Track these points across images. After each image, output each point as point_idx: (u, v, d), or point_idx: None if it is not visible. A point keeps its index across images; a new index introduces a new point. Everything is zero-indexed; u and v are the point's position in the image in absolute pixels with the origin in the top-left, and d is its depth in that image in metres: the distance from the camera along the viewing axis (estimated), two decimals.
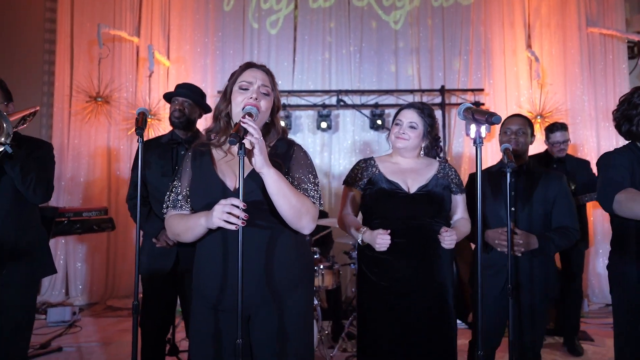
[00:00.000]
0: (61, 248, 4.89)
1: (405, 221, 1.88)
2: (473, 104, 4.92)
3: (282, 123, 1.63)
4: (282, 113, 1.62)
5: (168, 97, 2.47)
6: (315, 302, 3.32)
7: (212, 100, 5.11)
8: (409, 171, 1.98)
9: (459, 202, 2.01)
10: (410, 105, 2.02)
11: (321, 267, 3.38)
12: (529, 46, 5.11)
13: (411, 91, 5.08)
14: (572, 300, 3.45)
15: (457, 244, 1.88)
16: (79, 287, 4.94)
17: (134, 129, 5.23)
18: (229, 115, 1.52)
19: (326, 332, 3.63)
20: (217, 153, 1.53)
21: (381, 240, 1.79)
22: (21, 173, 1.85)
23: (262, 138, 1.33)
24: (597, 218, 4.82)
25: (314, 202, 1.47)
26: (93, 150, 5.04)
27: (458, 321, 3.29)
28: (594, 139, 4.93)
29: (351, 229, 1.95)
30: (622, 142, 2.08)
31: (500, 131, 2.30)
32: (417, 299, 1.88)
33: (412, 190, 1.94)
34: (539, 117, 4.84)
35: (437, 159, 2.08)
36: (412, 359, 1.87)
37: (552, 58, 5.09)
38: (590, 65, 5.04)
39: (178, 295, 2.46)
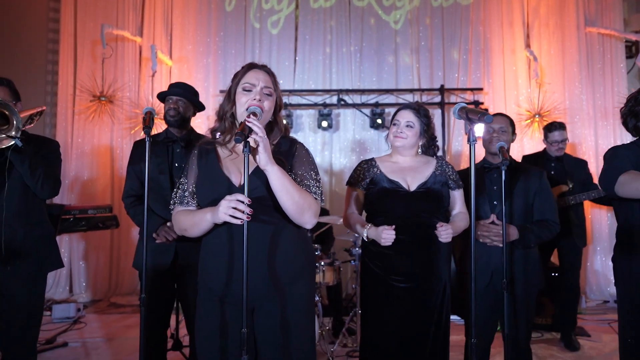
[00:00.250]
0: (65, 245, 4.95)
1: (406, 218, 1.97)
2: (472, 103, 4.99)
3: (284, 122, 1.68)
4: (283, 112, 1.68)
5: (162, 96, 2.51)
6: (316, 298, 3.37)
7: (214, 100, 5.19)
8: (408, 169, 2.07)
9: (457, 197, 2.09)
10: (407, 106, 2.11)
11: (322, 263, 3.44)
12: (527, 46, 5.16)
13: (411, 90, 5.13)
14: (569, 296, 3.51)
15: (453, 239, 1.95)
16: (83, 284, 5.01)
17: (136, 128, 5.27)
18: (233, 115, 1.58)
19: (327, 327, 3.69)
20: (222, 151, 1.59)
21: (386, 235, 1.88)
22: (30, 168, 1.90)
23: (266, 137, 1.38)
24: (595, 216, 4.87)
25: (315, 198, 1.53)
26: (96, 149, 5.10)
27: (456, 317, 3.36)
28: (592, 138, 4.98)
29: (356, 227, 2.04)
30: (619, 140, 2.14)
31: (485, 130, 2.37)
32: (417, 290, 1.97)
33: (412, 188, 2.03)
34: (537, 116, 4.89)
35: (435, 156, 2.16)
36: (410, 347, 1.96)
37: (550, 57, 5.13)
38: (589, 65, 5.09)
39: (177, 291, 2.46)
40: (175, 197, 1.59)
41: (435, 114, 5.15)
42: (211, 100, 5.23)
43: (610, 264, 2.10)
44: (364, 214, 2.18)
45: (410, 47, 5.23)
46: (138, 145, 2.47)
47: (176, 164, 2.36)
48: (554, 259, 3.78)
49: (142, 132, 2.39)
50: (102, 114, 5.02)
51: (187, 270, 2.31)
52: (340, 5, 5.27)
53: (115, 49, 5.12)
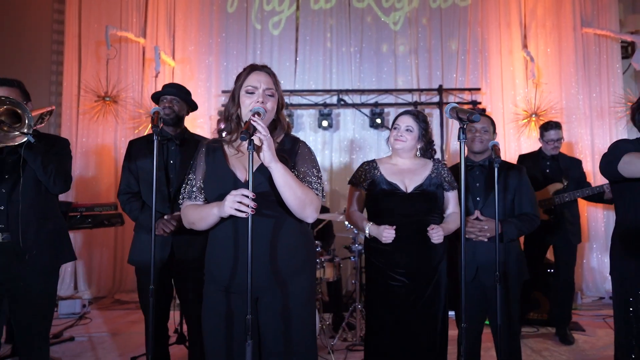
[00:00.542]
0: None
1: (404, 217, 2.12)
2: (470, 102, 5.07)
3: (286, 119, 1.77)
4: (284, 112, 1.76)
5: (156, 97, 2.57)
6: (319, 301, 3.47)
7: (216, 100, 5.29)
8: (406, 171, 2.21)
9: (450, 198, 2.23)
10: (407, 112, 2.26)
11: (322, 259, 3.53)
12: (525, 46, 5.24)
13: (410, 90, 5.21)
14: (564, 291, 3.59)
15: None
16: (87, 281, 5.09)
17: (140, 128, 5.35)
18: (238, 116, 1.66)
19: (327, 322, 3.78)
20: (228, 150, 1.67)
21: (387, 234, 2.06)
22: (42, 164, 1.98)
23: (269, 135, 1.47)
24: (591, 214, 4.95)
25: (317, 194, 1.62)
26: (100, 149, 5.19)
27: (452, 313, 3.44)
28: (589, 137, 5.06)
29: (358, 224, 2.21)
30: (615, 140, 2.23)
31: (468, 128, 2.47)
32: (414, 282, 2.12)
33: (409, 189, 2.17)
34: (534, 115, 4.97)
35: (432, 159, 2.29)
36: (411, 336, 2.10)
37: (547, 58, 5.21)
38: (585, 65, 5.17)
39: (175, 285, 2.52)
40: (184, 193, 1.67)
41: (434, 114, 5.24)
42: (213, 100, 5.32)
43: (607, 260, 2.17)
44: (365, 212, 2.31)
45: (409, 47, 5.31)
46: (133, 144, 2.54)
47: (171, 161, 2.43)
48: (549, 255, 3.87)
49: (146, 131, 2.47)
50: (107, 114, 5.11)
51: (183, 265, 2.38)
52: (340, 6, 5.35)
53: (119, 50, 5.20)
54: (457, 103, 5.08)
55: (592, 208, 4.92)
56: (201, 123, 5.24)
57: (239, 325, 1.53)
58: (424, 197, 2.14)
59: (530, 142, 4.93)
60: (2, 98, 1.84)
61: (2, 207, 1.98)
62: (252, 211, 1.41)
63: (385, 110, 5.12)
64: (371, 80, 5.31)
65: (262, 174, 1.55)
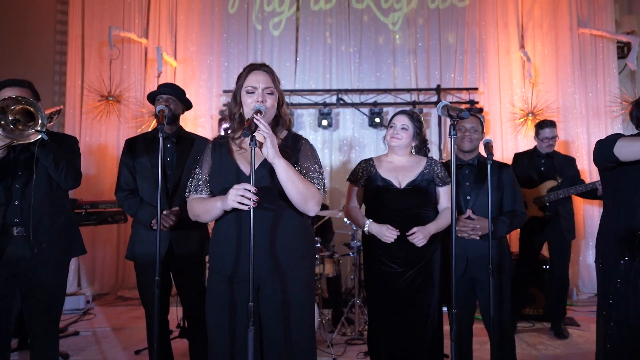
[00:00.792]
0: None
1: (398, 211, 2.24)
2: (467, 102, 5.15)
3: (288, 115, 1.84)
4: (285, 108, 1.84)
5: (152, 96, 2.62)
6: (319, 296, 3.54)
7: (217, 100, 5.37)
8: (401, 168, 2.32)
9: (442, 193, 2.32)
10: (403, 112, 2.36)
11: (322, 255, 3.60)
12: (522, 46, 5.30)
13: (408, 90, 5.28)
14: (558, 287, 3.67)
15: None
16: (90, 278, 5.17)
17: (143, 127, 5.42)
18: (241, 115, 1.74)
19: (327, 318, 3.85)
20: (233, 146, 1.75)
21: (389, 234, 2.17)
22: (54, 161, 2.06)
23: (272, 133, 1.54)
24: (588, 212, 5.02)
25: (318, 188, 1.70)
26: (103, 148, 5.27)
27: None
28: (585, 136, 5.13)
29: (358, 220, 2.32)
30: None
31: (457, 127, 2.53)
32: (408, 272, 2.23)
33: (403, 185, 2.28)
34: (530, 114, 5.03)
35: (426, 157, 2.39)
36: (408, 321, 2.24)
37: (544, 58, 5.28)
38: (581, 65, 5.23)
39: (173, 279, 2.57)
40: (191, 186, 1.75)
41: (432, 113, 5.31)
42: (214, 100, 5.40)
43: None
44: (363, 207, 2.42)
45: (407, 48, 5.38)
46: (130, 143, 2.59)
47: (168, 159, 2.49)
48: (545, 252, 3.94)
49: (149, 129, 2.55)
50: (110, 114, 5.19)
51: (181, 259, 2.44)
52: (340, 7, 5.43)
53: (122, 50, 5.28)
54: (455, 102, 5.21)
55: (588, 205, 4.99)
56: (203, 122, 5.32)
57: (241, 313, 1.60)
58: (417, 192, 2.25)
59: (527, 141, 4.99)
60: (19, 98, 1.92)
61: (16, 202, 2.06)
62: (253, 204, 1.48)
63: (384, 109, 5.19)
64: (370, 80, 5.39)
65: (264, 169, 1.63)
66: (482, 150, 2.40)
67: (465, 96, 5.25)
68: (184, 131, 2.62)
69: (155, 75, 5.22)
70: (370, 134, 5.32)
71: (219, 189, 1.66)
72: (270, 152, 1.54)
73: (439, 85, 5.24)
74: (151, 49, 5.36)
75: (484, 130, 2.61)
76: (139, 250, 2.46)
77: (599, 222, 2.17)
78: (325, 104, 5.20)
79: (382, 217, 2.22)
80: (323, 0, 5.43)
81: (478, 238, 2.36)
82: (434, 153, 5.23)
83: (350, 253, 3.83)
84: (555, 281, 3.67)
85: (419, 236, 2.15)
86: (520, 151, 4.19)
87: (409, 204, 2.25)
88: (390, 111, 5.24)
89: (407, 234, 2.16)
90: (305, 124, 5.36)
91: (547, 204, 3.54)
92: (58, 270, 2.18)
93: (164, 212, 2.41)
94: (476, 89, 5.25)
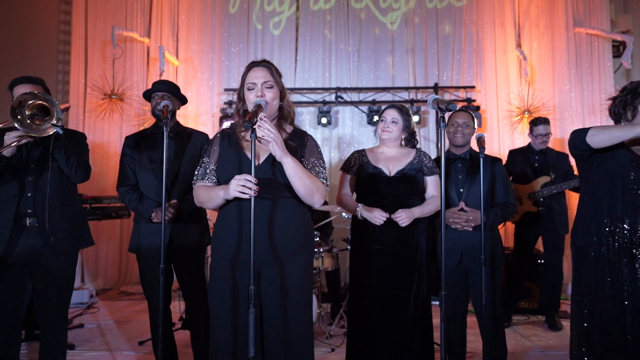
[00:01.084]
0: None
1: (387, 197, 2.35)
2: (465, 100, 5.22)
3: (292, 106, 1.93)
4: (289, 99, 1.93)
5: (148, 94, 2.68)
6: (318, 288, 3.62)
7: (218, 98, 5.45)
8: (391, 158, 2.44)
9: (430, 182, 2.44)
10: (392, 106, 2.48)
11: (321, 250, 3.68)
12: (518, 45, 5.38)
13: (406, 88, 5.36)
14: (552, 280, 3.75)
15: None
16: (94, 273, 5.25)
17: (145, 124, 5.54)
18: (245, 111, 1.84)
19: (326, 311, 3.93)
20: (240, 138, 1.84)
21: (380, 216, 2.28)
22: (65, 155, 2.15)
23: (278, 134, 1.63)
24: None
25: (323, 182, 1.81)
26: (106, 145, 5.36)
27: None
28: None
29: (349, 205, 2.43)
30: None
31: (447, 123, 2.66)
32: (395, 256, 2.35)
33: (393, 173, 2.41)
34: (526, 112, 5.11)
35: (415, 148, 2.51)
36: (393, 302, 2.33)
37: (541, 56, 5.36)
38: (577, 64, 5.31)
39: (174, 270, 2.63)
40: (198, 174, 1.84)
41: (430, 111, 5.38)
42: (216, 98, 5.49)
43: None
44: (354, 194, 2.54)
45: (405, 47, 5.46)
46: (129, 140, 2.67)
47: (166, 154, 2.56)
48: (539, 246, 4.02)
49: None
50: (113, 112, 5.28)
51: (181, 251, 2.51)
52: (339, 7, 5.51)
53: (124, 50, 5.37)
54: (452, 100, 5.27)
55: None
56: (204, 120, 5.40)
57: (242, 296, 1.69)
58: (405, 180, 2.38)
59: (523, 138, 5.07)
60: (37, 93, 2.01)
61: (29, 194, 2.15)
62: (254, 194, 1.57)
63: (383, 107, 5.24)
64: (369, 79, 5.47)
65: (267, 162, 1.73)
66: (474, 145, 2.49)
67: (462, 94, 5.33)
68: (181, 126, 2.68)
69: (157, 74, 5.31)
70: (368, 131, 5.40)
71: (227, 176, 1.75)
72: (278, 152, 1.64)
73: (436, 84, 5.32)
74: (153, 48, 5.45)
75: (480, 126, 2.70)
76: (140, 243, 2.54)
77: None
78: (324, 102, 5.28)
79: (372, 203, 2.34)
80: (322, 0, 5.51)
81: (471, 229, 2.45)
82: (431, 149, 5.32)
83: (349, 247, 3.90)
84: (550, 275, 3.75)
85: (403, 216, 2.26)
86: (513, 148, 4.27)
87: (398, 191, 2.37)
88: None
89: (392, 215, 2.27)
90: (305, 122, 5.44)
91: (541, 199, 3.63)
92: (68, 259, 2.27)
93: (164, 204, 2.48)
94: (473, 87, 5.33)
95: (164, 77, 5.31)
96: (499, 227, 4.47)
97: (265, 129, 1.61)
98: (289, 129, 1.88)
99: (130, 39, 5.38)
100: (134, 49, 5.44)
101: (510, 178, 3.76)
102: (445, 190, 2.49)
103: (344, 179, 2.50)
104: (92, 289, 4.82)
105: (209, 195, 1.76)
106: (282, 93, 1.84)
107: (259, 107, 1.65)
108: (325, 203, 4.39)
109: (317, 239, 3.74)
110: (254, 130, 1.57)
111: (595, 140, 1.94)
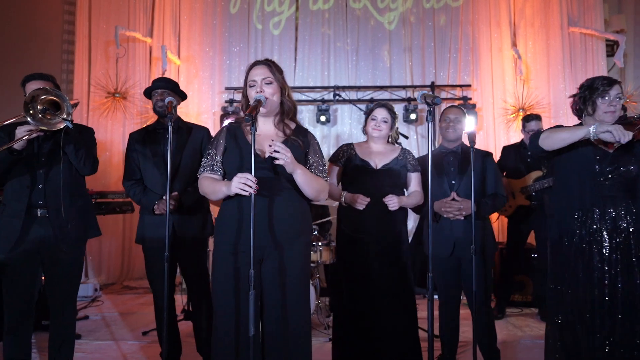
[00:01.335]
0: None
1: (372, 188, 2.48)
2: (461, 98, 5.33)
3: (293, 100, 2.03)
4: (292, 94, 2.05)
5: (148, 92, 2.79)
6: (317, 281, 3.72)
7: (219, 96, 5.56)
8: (377, 153, 2.59)
9: (413, 178, 2.59)
10: (383, 105, 2.60)
11: (319, 244, 3.79)
12: (514, 44, 5.49)
13: (403, 87, 5.47)
14: (545, 273, 3.83)
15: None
16: (97, 268, 5.36)
17: (148, 122, 5.63)
18: (248, 106, 1.93)
19: (325, 303, 4.04)
20: (245, 131, 1.95)
21: (361, 201, 2.44)
22: (75, 148, 2.26)
23: (290, 153, 1.75)
24: None
25: (325, 180, 1.97)
26: (110, 143, 5.47)
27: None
28: None
29: (335, 193, 2.55)
30: None
31: (440, 119, 2.79)
32: (378, 244, 2.48)
33: (378, 167, 2.54)
34: (521, 110, 5.22)
35: (400, 145, 2.68)
36: (377, 286, 2.45)
37: (536, 55, 5.47)
38: (572, 63, 5.42)
39: (177, 260, 2.70)
40: (204, 165, 1.94)
41: (427, 109, 5.48)
42: (217, 96, 5.60)
43: None
44: (340, 185, 2.67)
45: (403, 46, 5.57)
46: (134, 135, 2.78)
47: (168, 147, 2.66)
48: (532, 240, 4.12)
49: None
50: (116, 110, 5.39)
51: (184, 241, 2.61)
52: (338, 7, 5.62)
53: (127, 49, 5.48)
54: (449, 99, 5.37)
55: None
56: (205, 119, 5.51)
57: (243, 280, 1.79)
58: (390, 173, 2.52)
59: (518, 135, 5.15)
60: (49, 89, 2.12)
61: (40, 186, 2.26)
62: (254, 192, 1.68)
63: (371, 105, 5.35)
64: (367, 77, 5.58)
65: (267, 162, 1.84)
66: (465, 141, 2.60)
67: (458, 93, 5.44)
68: (182, 121, 2.78)
69: (159, 73, 5.40)
70: None
71: (231, 168, 1.88)
72: (289, 167, 1.78)
73: (433, 82, 5.42)
74: (155, 48, 5.56)
75: (476, 124, 2.80)
76: (146, 234, 2.65)
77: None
78: (323, 101, 5.39)
79: (357, 192, 2.47)
80: (321, 1, 5.62)
81: (462, 218, 2.56)
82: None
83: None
84: (542, 267, 3.85)
85: (394, 200, 2.42)
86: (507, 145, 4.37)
87: (383, 182, 2.50)
88: None
89: (384, 199, 2.41)
90: (305, 120, 5.54)
91: (533, 193, 3.73)
92: (77, 248, 2.39)
93: (164, 197, 2.55)
94: (469, 85, 5.44)
95: (166, 76, 5.41)
96: (494, 221, 4.60)
97: (280, 151, 1.73)
98: (292, 125, 1.99)
99: (133, 39, 5.50)
100: (137, 48, 5.56)
101: (504, 173, 3.87)
102: (438, 182, 2.64)
103: (331, 169, 2.63)
104: (96, 283, 4.94)
105: (213, 188, 1.87)
106: (283, 89, 1.94)
107: (258, 102, 1.76)
108: None
109: (316, 232, 3.84)
110: (253, 123, 1.67)
111: (546, 144, 2.06)
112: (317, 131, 5.52)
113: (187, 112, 5.34)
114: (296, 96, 5.45)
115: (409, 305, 2.54)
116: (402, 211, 2.55)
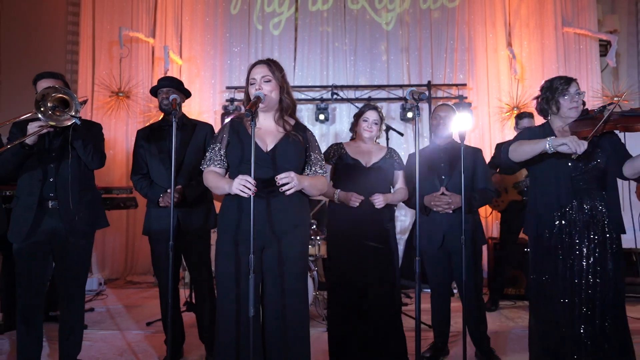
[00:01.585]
0: None
1: (362, 185, 2.61)
2: (457, 97, 5.44)
3: (293, 98, 2.15)
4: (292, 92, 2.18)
5: (154, 90, 2.91)
6: (315, 274, 3.84)
7: (220, 96, 5.68)
8: (367, 152, 2.73)
9: (399, 176, 2.74)
10: (374, 108, 2.77)
11: (318, 238, 3.90)
12: (509, 44, 5.60)
13: (400, 86, 5.58)
14: None
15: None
16: (101, 263, 5.48)
17: (151, 120, 5.76)
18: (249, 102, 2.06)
19: (323, 296, 4.15)
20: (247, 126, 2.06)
21: (355, 199, 2.56)
22: (83, 144, 2.38)
23: (293, 174, 1.88)
24: None
25: (324, 175, 2.10)
26: (113, 141, 5.59)
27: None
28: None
29: (328, 191, 2.66)
30: None
31: (431, 116, 2.92)
32: (367, 238, 2.61)
33: (368, 165, 2.68)
34: (516, 108, 5.33)
35: (387, 146, 2.89)
36: (365, 268, 2.59)
37: (530, 55, 5.58)
38: (566, 62, 5.52)
39: (182, 251, 2.83)
40: (210, 159, 2.05)
41: (424, 108, 5.61)
42: (218, 95, 5.72)
43: None
44: (331, 182, 2.79)
45: (400, 46, 5.68)
46: (140, 132, 2.90)
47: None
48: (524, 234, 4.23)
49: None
50: (120, 109, 5.52)
51: (188, 233, 2.74)
52: (336, 8, 5.74)
53: (130, 49, 5.60)
54: (445, 98, 5.48)
55: None
56: (207, 117, 5.62)
57: (245, 266, 1.90)
58: (379, 171, 2.68)
59: (512, 133, 5.27)
60: (58, 87, 2.24)
61: (51, 179, 2.39)
62: (252, 193, 1.80)
63: (379, 104, 5.44)
64: (365, 77, 5.70)
65: (267, 165, 1.96)
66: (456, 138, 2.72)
67: (455, 92, 5.55)
68: (186, 118, 2.90)
69: (162, 73, 5.52)
70: None
71: (234, 161, 2.01)
72: (298, 187, 1.91)
73: (429, 81, 5.53)
74: (158, 48, 5.68)
75: (473, 122, 2.90)
76: (152, 226, 2.77)
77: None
78: (322, 100, 5.51)
79: (349, 189, 2.60)
80: (320, 1, 5.74)
81: (451, 212, 2.68)
82: (425, 144, 5.52)
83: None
84: None
85: (380, 198, 2.57)
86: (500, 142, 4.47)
87: (372, 180, 2.65)
88: (384, 106, 5.54)
89: (370, 198, 2.55)
90: (304, 118, 5.66)
91: (525, 189, 3.84)
92: (86, 239, 2.51)
93: (168, 190, 2.66)
94: (465, 84, 5.55)
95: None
96: (486, 215, 4.70)
97: (287, 181, 1.87)
98: (291, 121, 2.11)
99: (136, 39, 5.62)
100: (140, 48, 5.68)
101: (497, 170, 3.98)
102: (429, 177, 2.76)
103: None
104: (101, 278, 5.06)
105: (216, 184, 1.99)
106: (282, 87, 2.06)
107: (257, 99, 1.89)
108: None
109: (314, 226, 3.96)
110: (253, 119, 1.79)
111: (515, 157, 2.20)
112: (316, 129, 5.64)
113: (189, 110, 5.45)
114: (295, 95, 5.44)
115: (395, 296, 2.67)
116: (389, 208, 2.68)
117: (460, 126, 2.66)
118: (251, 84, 2.03)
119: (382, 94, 5.58)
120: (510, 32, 5.66)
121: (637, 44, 5.87)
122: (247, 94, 2.07)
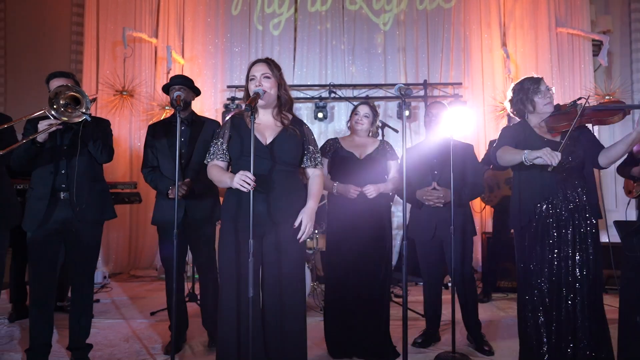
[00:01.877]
0: None
1: (357, 176, 2.75)
2: (452, 96, 5.57)
3: (291, 95, 2.27)
4: (289, 90, 2.30)
5: (166, 87, 3.03)
6: (313, 265, 3.97)
7: (221, 94, 5.82)
8: (360, 145, 2.88)
9: (392, 165, 2.88)
10: (366, 103, 2.92)
11: (316, 232, 4.03)
12: (504, 44, 5.73)
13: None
14: None
15: None
16: (105, 258, 5.61)
17: (154, 119, 5.89)
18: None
19: (321, 288, 4.28)
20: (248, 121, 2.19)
21: (354, 191, 2.69)
22: (92, 139, 2.52)
23: (310, 224, 2.07)
24: None
25: (320, 169, 2.24)
26: (117, 139, 5.71)
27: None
28: None
29: (326, 184, 2.79)
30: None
31: (425, 114, 3.08)
32: (363, 225, 2.74)
33: (362, 157, 2.83)
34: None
35: (380, 138, 3.01)
36: (362, 258, 2.73)
37: (524, 55, 5.71)
38: (559, 62, 5.65)
39: (188, 241, 2.95)
40: (214, 153, 2.17)
41: (420, 106, 5.75)
42: (219, 94, 5.85)
43: None
44: (328, 175, 2.92)
45: (397, 46, 5.82)
46: (150, 128, 3.04)
47: (182, 139, 2.88)
48: None
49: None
50: (123, 108, 5.66)
51: (194, 223, 2.87)
52: (335, 9, 5.87)
53: (133, 49, 5.74)
54: (441, 97, 5.61)
55: None
56: (208, 116, 5.68)
57: (245, 252, 2.03)
58: (372, 162, 2.82)
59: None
60: (70, 86, 2.38)
61: (63, 172, 2.53)
62: (251, 188, 1.93)
63: (376, 103, 5.58)
64: (362, 76, 5.84)
65: (266, 157, 2.08)
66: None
67: (450, 90, 5.68)
68: (195, 115, 3.04)
69: (164, 72, 5.68)
70: None
71: (236, 153, 2.14)
72: (311, 224, 2.10)
73: (425, 81, 5.66)
74: (160, 48, 5.82)
75: (470, 121, 3.04)
76: (161, 216, 2.91)
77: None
78: (320, 98, 5.64)
79: (345, 180, 2.75)
80: (319, 2, 5.88)
81: (442, 205, 2.81)
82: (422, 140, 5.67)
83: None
84: None
85: (371, 189, 2.70)
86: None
87: (366, 171, 2.78)
88: (381, 105, 5.69)
89: (362, 189, 2.68)
90: (303, 117, 5.79)
91: None
92: (95, 228, 2.66)
93: (178, 183, 2.82)
94: (460, 84, 5.68)
95: (170, 75, 5.67)
96: (479, 210, 4.83)
97: (302, 231, 2.06)
98: (289, 116, 2.23)
99: (139, 39, 5.76)
100: (143, 48, 5.82)
101: (491, 166, 4.11)
102: (421, 172, 2.90)
103: None
104: (105, 271, 5.19)
105: (219, 177, 2.12)
106: (280, 84, 2.19)
107: (257, 95, 2.02)
108: None
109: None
110: (253, 113, 1.93)
111: (502, 162, 2.34)
112: (314, 127, 5.77)
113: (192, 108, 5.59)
114: (295, 94, 5.70)
115: (386, 284, 2.81)
116: (385, 199, 2.82)
117: (452, 122, 2.80)
118: (251, 80, 2.15)
119: (380, 92, 5.71)
120: (505, 32, 5.79)
121: (629, 44, 5.99)
122: (246, 90, 2.19)
